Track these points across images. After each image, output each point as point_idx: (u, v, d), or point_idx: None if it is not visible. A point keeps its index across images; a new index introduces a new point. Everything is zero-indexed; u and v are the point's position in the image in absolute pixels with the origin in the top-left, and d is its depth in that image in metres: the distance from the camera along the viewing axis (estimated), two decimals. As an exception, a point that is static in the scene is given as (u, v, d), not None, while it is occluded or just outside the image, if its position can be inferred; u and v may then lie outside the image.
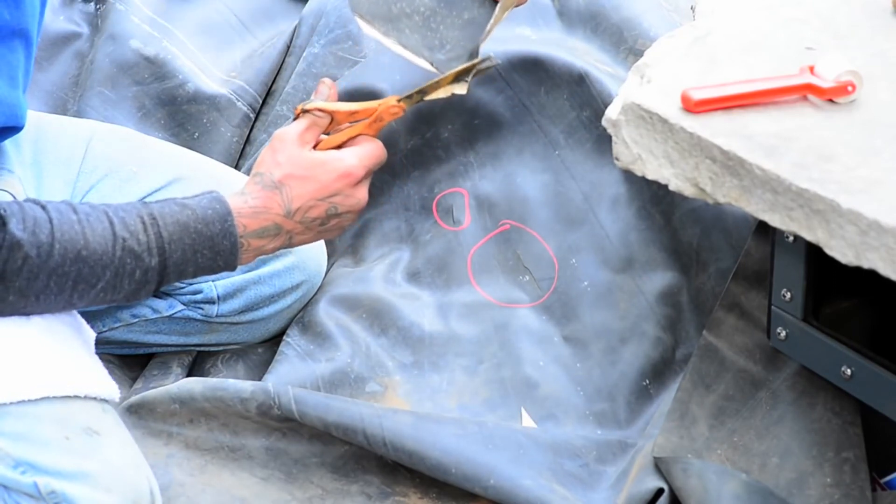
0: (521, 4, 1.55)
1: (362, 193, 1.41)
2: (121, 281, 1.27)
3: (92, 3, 2.05)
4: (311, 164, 1.37)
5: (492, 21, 1.48)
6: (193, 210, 1.30)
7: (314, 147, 1.42)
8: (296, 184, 1.36)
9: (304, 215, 1.37)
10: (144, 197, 1.60)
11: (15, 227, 1.20)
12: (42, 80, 1.97)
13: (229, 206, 1.32)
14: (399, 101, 1.42)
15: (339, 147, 1.44)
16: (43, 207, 1.24)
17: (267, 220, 1.34)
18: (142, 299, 1.32)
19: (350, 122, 1.44)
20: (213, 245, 1.31)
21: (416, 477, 1.51)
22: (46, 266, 1.22)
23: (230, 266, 1.34)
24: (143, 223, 1.28)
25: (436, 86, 1.42)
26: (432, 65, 1.51)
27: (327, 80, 1.44)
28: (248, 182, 1.37)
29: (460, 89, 1.45)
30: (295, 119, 1.42)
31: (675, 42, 1.43)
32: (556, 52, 1.81)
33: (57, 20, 2.03)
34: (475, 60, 1.45)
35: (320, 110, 1.41)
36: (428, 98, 1.44)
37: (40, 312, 1.27)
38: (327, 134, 1.45)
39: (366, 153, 1.41)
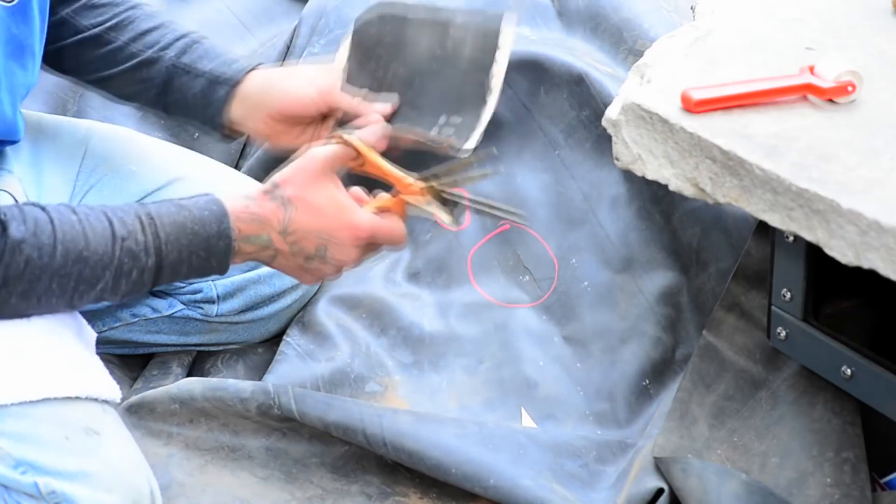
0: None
1: (355, 255, 1.37)
2: (119, 281, 1.27)
3: (92, 3, 2.05)
4: (327, 200, 1.34)
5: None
6: (190, 211, 1.30)
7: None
8: (303, 209, 1.34)
9: (295, 241, 1.35)
10: (144, 197, 1.60)
11: (16, 230, 1.20)
12: (42, 80, 1.95)
13: (226, 208, 1.32)
14: (421, 189, 1.38)
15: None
16: (43, 209, 1.24)
17: (262, 230, 1.33)
18: (135, 296, 1.31)
19: (375, 176, 1.41)
20: (209, 246, 1.30)
21: (416, 477, 1.51)
22: (49, 267, 1.22)
23: (222, 268, 1.33)
24: (142, 223, 1.27)
25: (447, 172, 1.37)
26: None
27: (381, 121, 1.40)
28: (261, 188, 1.35)
29: (445, 217, 1.40)
30: (329, 139, 1.39)
31: (675, 42, 1.44)
32: (556, 52, 1.81)
33: (57, 20, 2.03)
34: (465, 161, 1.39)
35: (355, 148, 1.37)
36: (442, 186, 1.39)
37: (41, 315, 1.27)
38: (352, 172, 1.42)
39: (381, 225, 1.37)
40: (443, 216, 1.40)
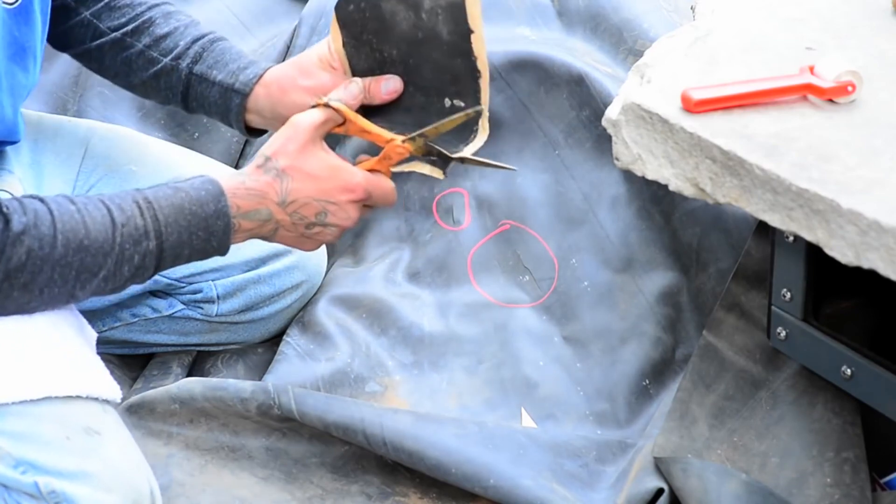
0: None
1: (355, 213, 1.39)
2: (121, 268, 1.27)
3: (92, 3, 2.05)
4: (320, 165, 1.36)
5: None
6: (187, 192, 1.30)
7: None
8: (298, 177, 1.35)
9: (296, 210, 1.36)
10: (144, 196, 1.60)
11: (17, 222, 1.20)
12: (42, 80, 1.97)
13: (222, 187, 1.32)
14: (403, 142, 1.39)
15: None
16: (41, 200, 1.24)
17: (261, 204, 1.34)
18: (137, 283, 1.31)
19: (359, 137, 1.42)
20: (208, 226, 1.30)
21: (416, 477, 1.51)
22: (50, 258, 1.22)
23: (223, 247, 1.33)
24: (140, 207, 1.27)
25: (435, 130, 1.38)
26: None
27: (359, 82, 1.41)
28: (252, 163, 1.36)
29: (436, 173, 1.42)
30: (314, 107, 1.39)
31: (675, 42, 1.44)
32: (556, 52, 1.82)
33: (57, 20, 2.03)
34: (472, 109, 1.40)
35: (339, 112, 1.38)
36: (429, 144, 1.40)
37: (43, 308, 1.27)
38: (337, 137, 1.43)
39: (375, 181, 1.39)
40: (428, 170, 1.41)
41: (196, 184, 1.31)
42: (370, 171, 1.40)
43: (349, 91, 1.40)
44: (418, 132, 1.38)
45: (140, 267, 1.28)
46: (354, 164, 1.41)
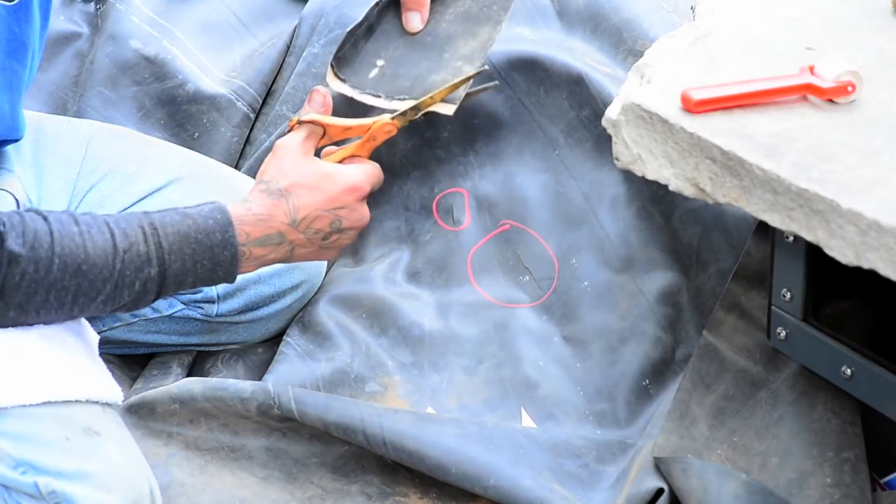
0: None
1: (366, 210, 1.41)
2: (120, 292, 1.26)
3: (92, 3, 2.05)
4: (318, 174, 1.36)
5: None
6: (194, 220, 1.30)
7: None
8: (302, 192, 1.35)
9: (308, 225, 1.36)
10: (144, 197, 1.60)
11: (13, 242, 1.20)
12: (42, 80, 1.97)
13: (231, 217, 1.32)
14: (392, 118, 1.41)
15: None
16: (45, 219, 1.23)
17: (271, 228, 1.34)
18: (140, 308, 1.31)
19: (344, 138, 1.44)
20: (213, 255, 1.30)
21: (416, 477, 1.51)
22: (45, 281, 1.22)
23: (230, 277, 1.33)
24: (144, 233, 1.27)
25: (430, 101, 1.40)
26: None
27: (321, 89, 1.43)
28: (253, 190, 1.36)
29: (446, 109, 1.44)
30: (290, 130, 1.41)
31: (675, 42, 1.44)
32: (555, 52, 1.81)
33: (57, 20, 2.03)
34: (469, 75, 1.43)
35: (315, 123, 1.40)
36: (421, 114, 1.43)
37: (42, 324, 1.27)
38: (320, 149, 1.45)
39: (368, 171, 1.41)
40: (440, 107, 1.44)
41: (205, 211, 1.31)
42: (352, 156, 1.42)
43: (315, 102, 1.42)
44: (410, 106, 1.39)
45: (141, 292, 1.28)
46: (321, 157, 1.43)
